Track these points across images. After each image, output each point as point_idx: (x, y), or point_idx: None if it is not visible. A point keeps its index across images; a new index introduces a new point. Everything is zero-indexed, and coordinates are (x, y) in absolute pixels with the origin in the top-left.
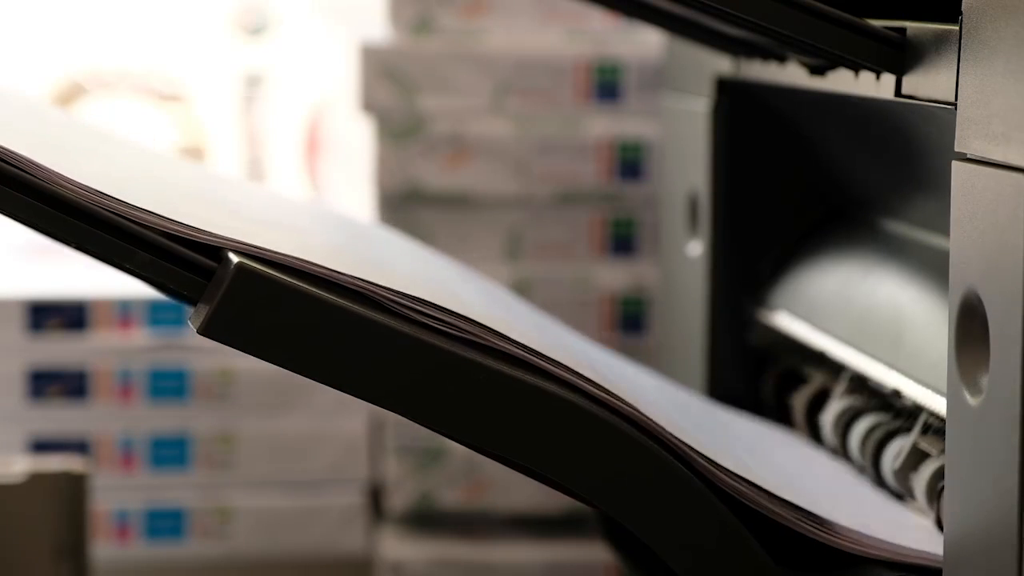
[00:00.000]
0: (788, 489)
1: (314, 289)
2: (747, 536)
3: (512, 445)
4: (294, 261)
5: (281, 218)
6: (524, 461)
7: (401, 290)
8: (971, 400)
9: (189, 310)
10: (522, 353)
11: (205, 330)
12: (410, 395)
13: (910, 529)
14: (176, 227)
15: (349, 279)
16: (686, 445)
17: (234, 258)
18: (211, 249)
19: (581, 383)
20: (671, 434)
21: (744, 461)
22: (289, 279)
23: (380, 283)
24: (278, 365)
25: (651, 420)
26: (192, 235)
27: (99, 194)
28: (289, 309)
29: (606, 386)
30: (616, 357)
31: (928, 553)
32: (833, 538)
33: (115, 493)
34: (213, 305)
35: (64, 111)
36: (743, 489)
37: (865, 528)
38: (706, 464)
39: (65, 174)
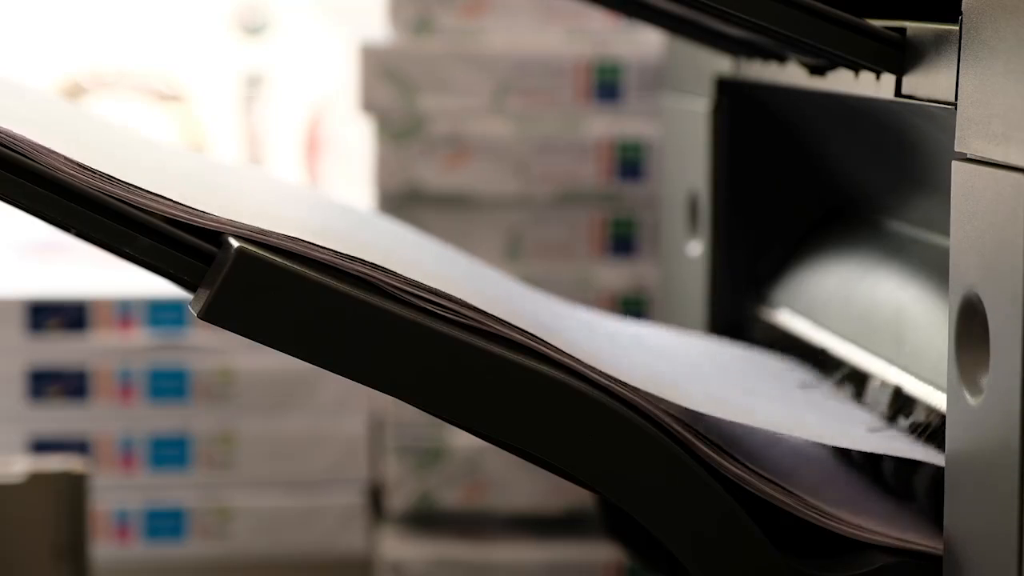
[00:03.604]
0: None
1: (314, 274)
2: (748, 521)
3: (513, 430)
4: (294, 245)
5: (282, 202)
6: (526, 447)
7: (403, 275)
8: (971, 400)
9: (189, 310)
10: (524, 338)
11: (205, 315)
12: (411, 381)
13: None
14: (176, 211)
15: (350, 264)
16: (689, 431)
17: (234, 242)
18: (212, 234)
19: (583, 369)
20: (672, 419)
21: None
22: (289, 264)
23: (382, 267)
24: (278, 349)
25: (654, 405)
26: (192, 219)
27: (99, 177)
28: (289, 294)
29: (607, 370)
30: (622, 322)
31: (927, 541)
32: (834, 524)
33: (115, 493)
34: (213, 290)
35: (65, 100)
36: (744, 475)
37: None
38: (707, 450)
39: (65, 157)
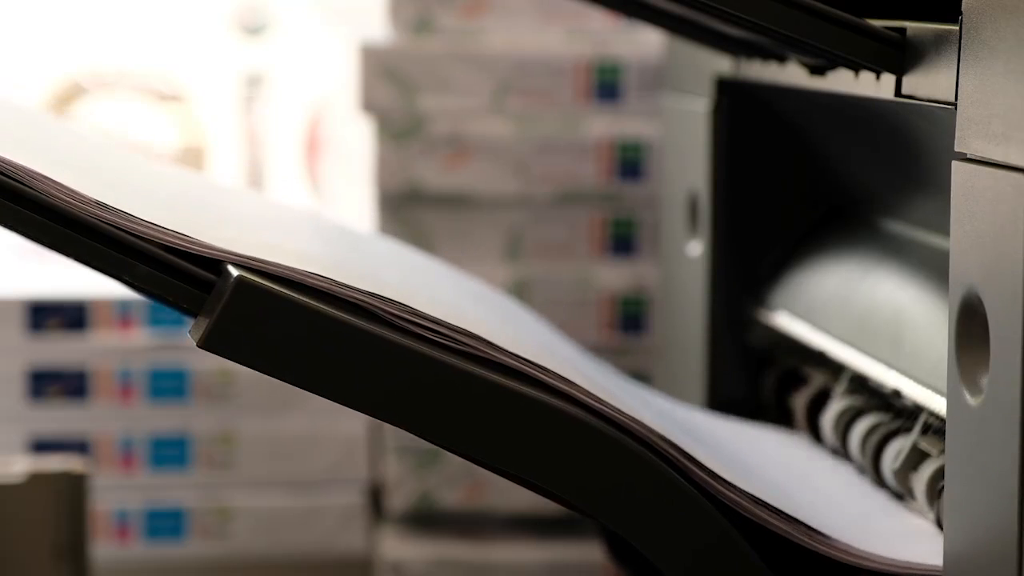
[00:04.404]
0: (787, 500)
1: (313, 302)
2: (744, 547)
3: (509, 457)
4: (294, 274)
5: (280, 229)
6: (522, 474)
7: (400, 302)
8: (971, 400)
9: (189, 326)
10: (520, 365)
11: (205, 343)
12: (408, 407)
13: (913, 536)
14: (175, 239)
15: (348, 292)
16: (685, 456)
17: (234, 271)
18: (211, 261)
19: (579, 395)
20: (670, 444)
21: (743, 472)
22: (289, 292)
23: (379, 295)
24: (278, 378)
25: (650, 431)
26: (192, 248)
27: (98, 205)
28: (289, 322)
29: (604, 398)
30: (613, 370)
31: (927, 564)
32: (829, 550)
33: (115, 493)
34: (213, 318)
35: (61, 120)
36: (740, 500)
37: (866, 536)
38: (703, 475)
39: (63, 185)
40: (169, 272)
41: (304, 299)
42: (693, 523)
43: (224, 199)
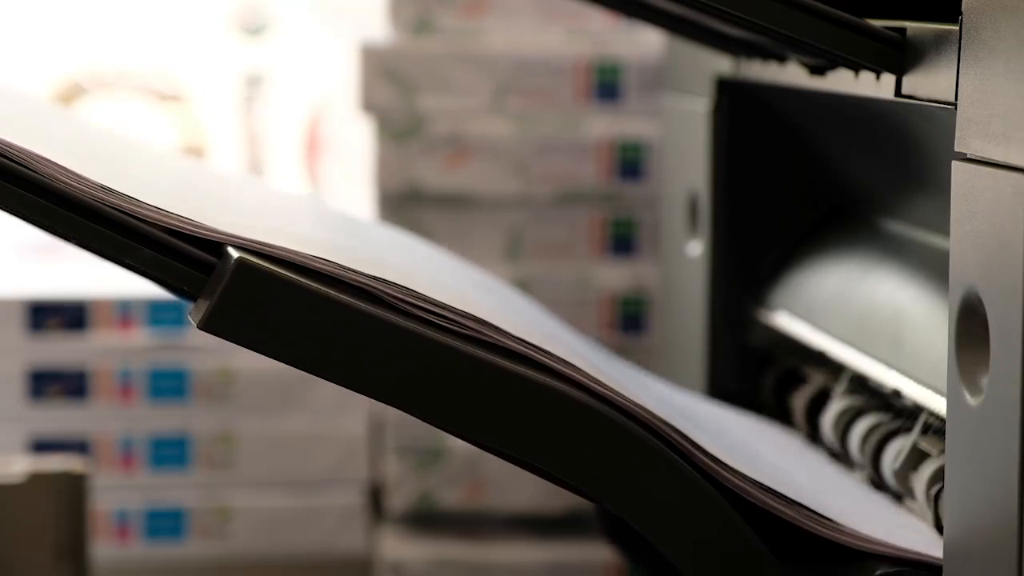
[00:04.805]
0: (789, 486)
1: (314, 284)
2: (748, 531)
3: (513, 441)
4: (294, 256)
5: (281, 213)
6: (525, 457)
7: (403, 286)
8: (971, 400)
9: (189, 309)
10: (524, 349)
11: (205, 325)
12: (410, 390)
13: (906, 529)
14: (177, 222)
15: (351, 275)
16: (688, 441)
17: (234, 253)
18: (212, 244)
19: (583, 379)
20: (673, 429)
21: (746, 458)
22: (289, 274)
23: (382, 279)
24: (277, 360)
25: (653, 416)
26: (193, 230)
27: (100, 189)
28: (289, 304)
29: (608, 382)
30: (614, 358)
31: (928, 551)
32: (835, 534)
33: (115, 493)
34: (213, 300)
35: (65, 109)
36: (744, 485)
37: (866, 524)
38: (707, 460)
39: (68, 169)
40: (171, 255)
41: (305, 281)
42: (696, 508)
43: (226, 186)
